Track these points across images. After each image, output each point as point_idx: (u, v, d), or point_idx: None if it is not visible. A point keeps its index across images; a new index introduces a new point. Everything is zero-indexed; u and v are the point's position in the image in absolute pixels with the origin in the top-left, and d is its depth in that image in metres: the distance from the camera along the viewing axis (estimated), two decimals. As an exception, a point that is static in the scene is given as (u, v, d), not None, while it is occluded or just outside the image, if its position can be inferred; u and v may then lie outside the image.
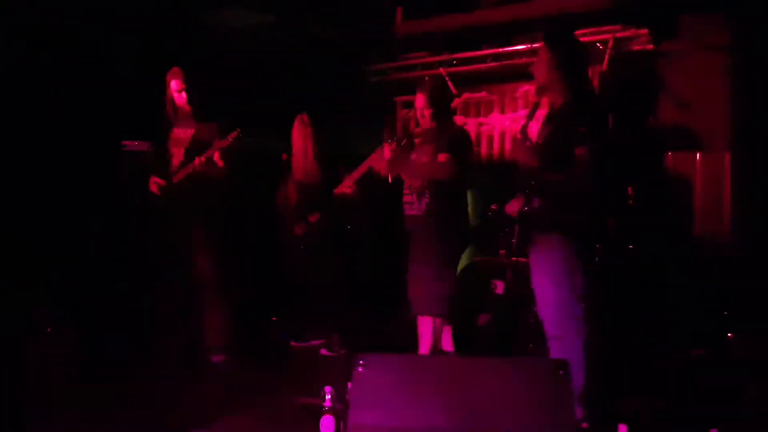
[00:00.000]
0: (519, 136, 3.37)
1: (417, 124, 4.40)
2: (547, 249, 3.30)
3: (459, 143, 4.07)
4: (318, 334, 5.15)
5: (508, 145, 6.45)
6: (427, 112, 4.13)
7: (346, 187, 4.76)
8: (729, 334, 3.89)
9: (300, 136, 5.16)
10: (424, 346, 4.07)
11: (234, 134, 4.38)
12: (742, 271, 3.65)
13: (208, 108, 4.65)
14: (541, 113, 3.48)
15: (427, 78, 5.17)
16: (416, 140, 4.37)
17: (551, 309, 3.30)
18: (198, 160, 4.39)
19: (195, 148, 4.51)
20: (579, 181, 3.21)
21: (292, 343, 5.14)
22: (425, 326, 4.08)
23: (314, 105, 5.21)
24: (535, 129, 3.45)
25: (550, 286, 3.29)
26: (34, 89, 5.02)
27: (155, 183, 4.55)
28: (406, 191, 4.19)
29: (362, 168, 4.74)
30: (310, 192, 5.06)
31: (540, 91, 3.48)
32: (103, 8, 5.33)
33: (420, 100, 4.18)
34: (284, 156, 5.35)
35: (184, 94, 4.57)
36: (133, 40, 5.46)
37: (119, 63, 5.38)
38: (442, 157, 3.99)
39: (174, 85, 4.57)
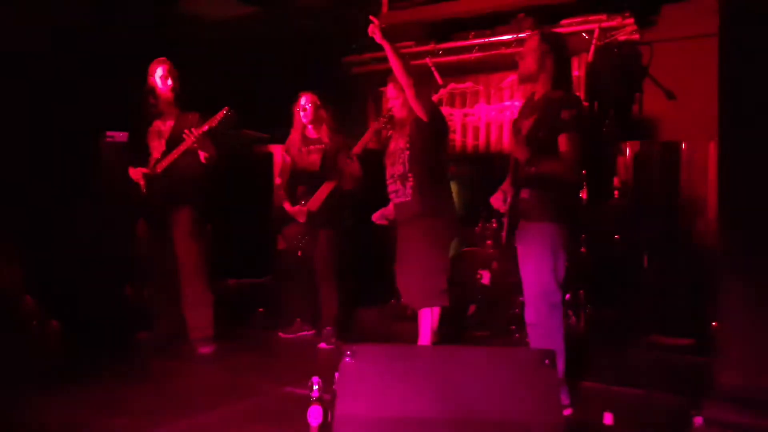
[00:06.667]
0: (513, 131, 3.39)
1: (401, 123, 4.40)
2: (531, 237, 3.32)
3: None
4: (305, 326, 5.14)
5: (493, 136, 6.47)
6: (398, 102, 4.16)
7: (347, 159, 4.69)
8: (713, 323, 3.92)
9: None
10: (425, 337, 4.07)
11: (222, 113, 4.33)
12: (726, 260, 3.68)
13: (189, 100, 4.61)
14: (518, 105, 3.52)
15: None
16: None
17: (532, 296, 3.32)
18: (193, 134, 4.30)
19: (176, 139, 4.48)
20: (562, 169, 3.24)
21: (281, 334, 5.12)
22: (425, 317, 4.08)
23: (297, 96, 5.16)
24: (504, 121, 3.49)
25: (532, 274, 3.32)
26: (15, 81, 4.96)
27: (138, 172, 4.52)
28: (389, 180, 4.19)
29: (362, 142, 4.63)
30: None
31: (523, 80, 3.49)
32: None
33: (390, 90, 4.23)
34: (276, 148, 5.29)
35: (168, 82, 4.53)
36: (113, 32, 5.40)
37: (100, 54, 5.33)
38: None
39: (159, 71, 4.53)
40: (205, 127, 4.32)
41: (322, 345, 4.82)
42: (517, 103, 5.65)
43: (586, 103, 5.72)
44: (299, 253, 4.99)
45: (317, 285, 4.93)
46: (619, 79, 5.71)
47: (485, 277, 5.13)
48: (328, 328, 4.86)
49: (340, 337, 4.81)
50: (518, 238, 3.39)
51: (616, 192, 5.18)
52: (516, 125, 3.46)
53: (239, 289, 5.99)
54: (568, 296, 4.72)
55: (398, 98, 4.16)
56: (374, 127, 4.70)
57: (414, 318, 4.29)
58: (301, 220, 4.87)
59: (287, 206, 4.96)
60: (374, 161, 4.63)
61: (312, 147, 4.96)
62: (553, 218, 3.26)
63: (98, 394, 3.74)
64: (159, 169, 4.51)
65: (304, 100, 4.94)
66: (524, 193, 3.33)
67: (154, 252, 4.65)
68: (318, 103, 4.94)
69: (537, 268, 3.28)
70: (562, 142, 3.22)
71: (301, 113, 4.93)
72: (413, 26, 6.53)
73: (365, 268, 5.88)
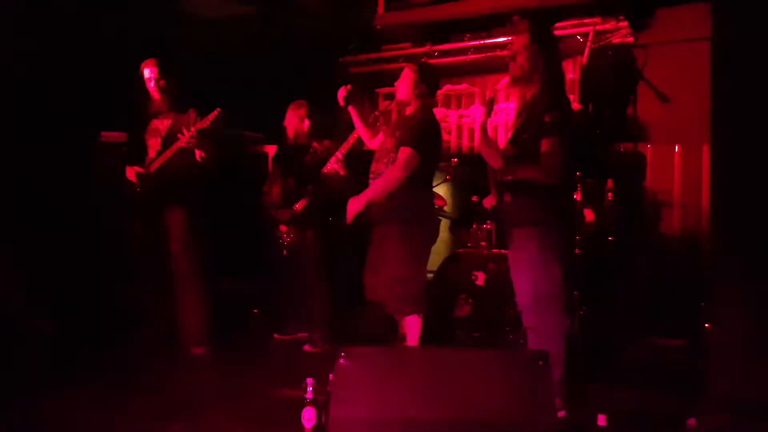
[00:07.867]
0: (480, 134, 3.37)
1: (398, 115, 4.39)
2: (523, 242, 3.31)
3: (419, 132, 3.98)
4: (301, 327, 5.14)
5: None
6: (403, 85, 4.09)
7: (334, 163, 4.71)
8: (706, 325, 3.94)
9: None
10: (412, 341, 4.06)
11: (214, 113, 4.32)
12: (718, 263, 3.70)
13: (185, 99, 4.60)
14: (512, 106, 3.51)
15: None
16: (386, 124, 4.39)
17: (529, 301, 3.32)
18: (186, 134, 4.30)
19: (172, 138, 4.47)
20: (541, 174, 3.20)
21: (275, 336, 5.13)
22: (407, 323, 4.06)
23: (294, 97, 5.17)
24: (499, 124, 3.47)
25: (527, 279, 3.31)
26: (8, 81, 4.94)
27: (133, 171, 4.51)
28: (371, 176, 4.14)
29: (348, 143, 4.67)
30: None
31: (515, 82, 3.47)
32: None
33: (404, 73, 4.14)
34: (270, 148, 5.32)
35: (159, 82, 4.52)
36: (109, 30, 5.39)
37: (95, 53, 5.31)
38: (400, 153, 3.91)
39: (147, 73, 4.53)
40: (197, 127, 4.32)
41: (307, 347, 4.84)
42: (512, 105, 5.66)
43: (579, 106, 5.74)
44: (284, 253, 5.02)
45: (307, 285, 4.94)
46: (613, 82, 5.72)
47: (480, 278, 5.14)
48: (316, 331, 4.86)
49: (333, 339, 4.81)
50: (509, 242, 3.39)
51: (609, 194, 5.18)
52: (484, 128, 3.42)
53: (234, 290, 5.97)
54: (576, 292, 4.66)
55: (403, 81, 4.12)
56: (360, 130, 4.71)
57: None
58: (284, 219, 4.97)
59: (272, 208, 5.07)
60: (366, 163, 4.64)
61: (300, 151, 5.05)
62: (540, 222, 3.24)
63: (92, 394, 3.73)
64: (152, 168, 4.51)
65: (302, 111, 5.07)
66: (507, 197, 3.32)
67: (149, 251, 4.64)
68: (309, 113, 5.10)
69: (531, 274, 3.27)
70: (544, 145, 3.18)
71: (296, 121, 5.05)
72: (409, 27, 6.54)
73: (360, 269, 5.87)
